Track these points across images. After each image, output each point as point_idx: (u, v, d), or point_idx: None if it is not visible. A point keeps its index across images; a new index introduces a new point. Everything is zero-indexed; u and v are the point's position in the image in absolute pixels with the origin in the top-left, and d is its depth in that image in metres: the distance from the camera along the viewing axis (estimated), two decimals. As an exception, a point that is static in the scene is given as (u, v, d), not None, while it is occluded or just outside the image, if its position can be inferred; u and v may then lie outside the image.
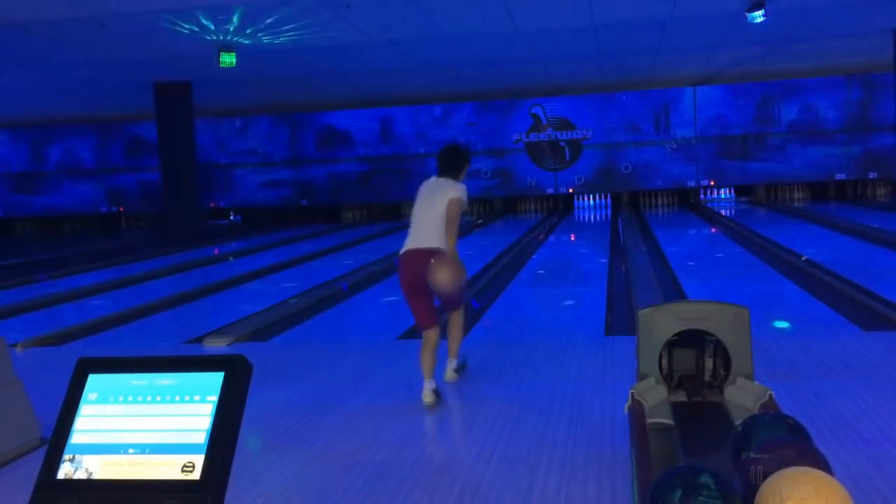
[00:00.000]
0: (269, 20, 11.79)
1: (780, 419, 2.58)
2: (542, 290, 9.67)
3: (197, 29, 11.99)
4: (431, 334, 4.84)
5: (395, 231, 17.70)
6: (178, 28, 11.78)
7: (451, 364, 5.21)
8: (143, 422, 1.61)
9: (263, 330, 7.37)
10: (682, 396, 3.36)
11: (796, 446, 2.21)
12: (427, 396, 4.72)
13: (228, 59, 12.90)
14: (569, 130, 20.49)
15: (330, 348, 6.60)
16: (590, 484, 3.47)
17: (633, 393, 3.23)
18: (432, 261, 4.69)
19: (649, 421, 3.06)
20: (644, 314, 3.44)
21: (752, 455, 2.21)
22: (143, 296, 9.79)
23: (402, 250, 4.89)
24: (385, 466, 3.82)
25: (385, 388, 5.17)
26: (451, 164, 5.13)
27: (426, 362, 4.79)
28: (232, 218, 22.56)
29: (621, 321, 7.27)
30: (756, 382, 3.27)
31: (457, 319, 5.17)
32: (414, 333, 6.91)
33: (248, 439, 4.23)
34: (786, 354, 5.45)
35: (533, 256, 12.39)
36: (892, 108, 17.18)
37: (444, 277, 4.64)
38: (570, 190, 20.58)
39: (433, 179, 5.07)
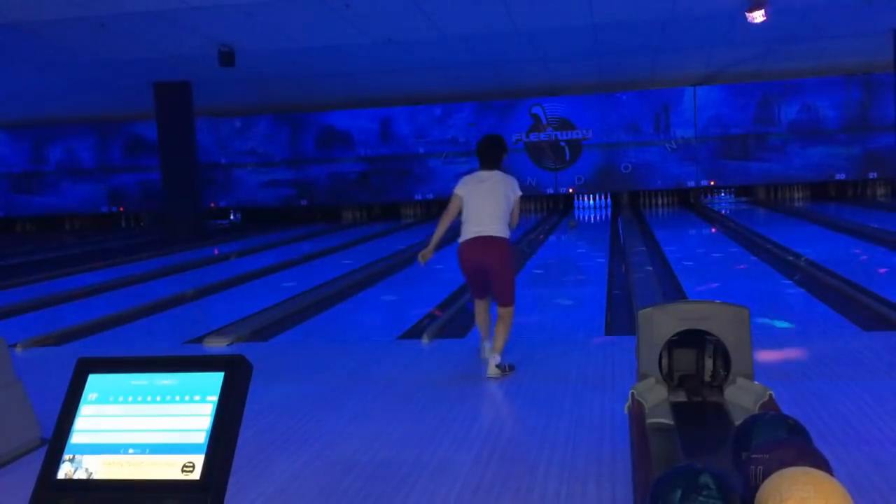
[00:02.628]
0: (269, 20, 11.79)
1: (780, 419, 2.58)
2: (542, 290, 9.66)
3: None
4: (480, 302, 5.63)
5: (395, 231, 17.71)
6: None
7: (494, 359, 5.27)
8: (143, 422, 1.61)
9: (263, 330, 7.37)
10: (682, 396, 3.36)
11: (796, 446, 2.21)
12: (485, 352, 5.54)
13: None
14: (569, 130, 20.49)
15: (330, 348, 6.60)
16: (590, 484, 3.47)
17: (633, 393, 3.23)
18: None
19: (649, 421, 3.06)
20: (644, 314, 3.43)
21: (752, 455, 2.21)
22: (143, 296, 9.78)
23: (466, 237, 5.35)
24: (385, 466, 3.82)
25: (385, 388, 5.17)
26: (496, 157, 5.53)
27: (480, 325, 5.69)
28: (232, 217, 22.57)
29: (621, 321, 7.26)
30: (756, 382, 3.27)
31: (504, 316, 5.41)
32: (414, 333, 6.92)
33: (249, 440, 4.23)
34: (786, 354, 5.45)
35: (533, 256, 12.38)
36: (892, 108, 17.17)
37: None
38: (570, 190, 20.58)
39: (482, 173, 5.47)
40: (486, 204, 5.31)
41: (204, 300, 9.71)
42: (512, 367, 5.38)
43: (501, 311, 5.38)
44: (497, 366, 5.24)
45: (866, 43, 15.46)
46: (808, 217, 16.06)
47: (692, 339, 3.41)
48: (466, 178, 5.47)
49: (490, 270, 5.35)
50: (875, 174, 19.49)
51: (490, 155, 5.48)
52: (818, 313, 7.24)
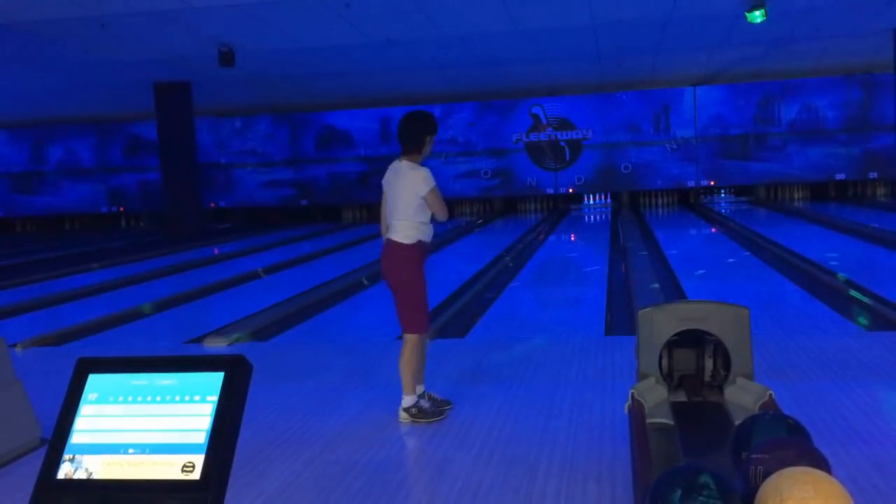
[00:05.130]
0: (269, 20, 11.78)
1: (780, 419, 2.58)
2: (542, 290, 9.67)
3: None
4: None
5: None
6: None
7: (403, 401, 4.48)
8: (144, 422, 1.61)
9: (263, 330, 7.37)
10: (682, 396, 3.36)
11: (796, 446, 2.21)
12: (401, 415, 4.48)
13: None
14: (569, 130, 20.49)
15: (330, 348, 6.60)
16: (590, 484, 3.47)
17: (633, 393, 3.23)
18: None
19: (649, 421, 3.07)
20: (644, 314, 3.44)
21: (752, 455, 2.21)
22: (143, 296, 9.79)
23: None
24: (385, 466, 3.82)
25: (385, 388, 5.16)
26: (410, 137, 4.50)
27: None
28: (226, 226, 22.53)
29: (621, 321, 7.26)
30: (756, 382, 3.27)
31: (405, 347, 4.50)
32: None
33: (249, 440, 4.23)
34: (786, 354, 5.45)
35: (533, 256, 12.38)
36: (892, 108, 17.18)
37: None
38: (570, 190, 20.59)
39: (397, 163, 4.60)
40: (393, 198, 4.52)
41: (204, 300, 9.71)
42: (426, 412, 4.43)
43: (404, 338, 4.53)
44: (405, 409, 4.44)
45: (866, 43, 15.45)
46: (808, 217, 16.06)
47: (692, 339, 3.41)
48: (390, 167, 4.68)
49: (389, 284, 4.56)
50: (875, 174, 19.49)
51: (404, 136, 4.52)
52: (818, 313, 7.24)
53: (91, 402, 1.66)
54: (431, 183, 4.46)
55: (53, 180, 23.03)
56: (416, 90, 19.14)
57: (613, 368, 5.33)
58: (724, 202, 20.52)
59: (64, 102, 19.25)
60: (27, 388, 4.37)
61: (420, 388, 4.52)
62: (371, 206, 21.33)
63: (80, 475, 1.58)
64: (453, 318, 7.58)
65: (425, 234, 4.53)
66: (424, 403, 4.48)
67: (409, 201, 4.44)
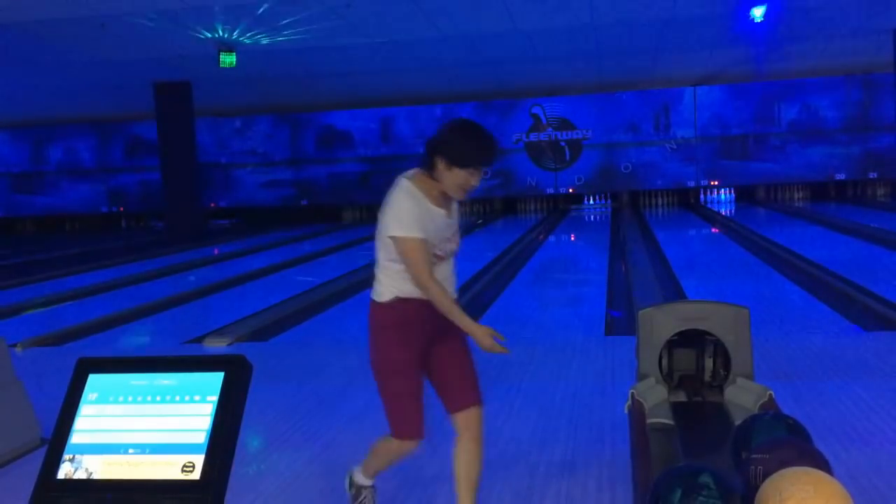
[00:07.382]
0: (269, 20, 11.79)
1: (780, 419, 2.58)
2: (542, 290, 9.67)
3: (198, 28, 12.00)
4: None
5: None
6: (178, 27, 11.78)
7: (358, 475, 3.28)
8: (144, 422, 1.61)
9: (263, 330, 7.36)
10: (682, 396, 3.36)
11: (796, 446, 2.21)
12: None
13: (228, 60, 12.84)
14: (569, 130, 20.49)
15: (330, 348, 6.60)
16: (590, 484, 3.47)
17: (633, 393, 3.23)
18: None
19: (649, 421, 3.07)
20: (644, 314, 3.44)
21: (752, 455, 2.21)
22: (143, 296, 9.78)
23: None
24: (385, 466, 3.82)
25: (385, 388, 5.16)
26: (426, 147, 3.08)
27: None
28: (225, 222, 22.54)
29: (621, 321, 7.26)
30: (756, 382, 3.27)
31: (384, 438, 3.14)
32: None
33: (249, 440, 4.23)
34: (786, 354, 5.45)
35: (533, 256, 12.38)
36: (892, 108, 17.16)
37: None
38: (571, 190, 20.58)
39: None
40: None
41: (204, 300, 9.71)
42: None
43: None
44: (352, 478, 3.31)
45: (866, 43, 15.45)
46: (808, 217, 16.06)
47: (692, 339, 3.42)
48: None
49: None
50: (875, 174, 19.49)
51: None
52: (818, 313, 7.24)
53: (91, 402, 1.66)
54: (399, 221, 2.90)
55: (54, 180, 23.02)
56: (416, 90, 19.14)
57: (613, 368, 5.33)
58: (723, 202, 20.50)
59: (64, 102, 19.24)
60: (27, 388, 4.37)
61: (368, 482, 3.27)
62: (371, 207, 21.33)
63: (80, 475, 1.58)
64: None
65: (407, 287, 2.88)
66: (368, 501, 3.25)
67: (380, 234, 2.97)
